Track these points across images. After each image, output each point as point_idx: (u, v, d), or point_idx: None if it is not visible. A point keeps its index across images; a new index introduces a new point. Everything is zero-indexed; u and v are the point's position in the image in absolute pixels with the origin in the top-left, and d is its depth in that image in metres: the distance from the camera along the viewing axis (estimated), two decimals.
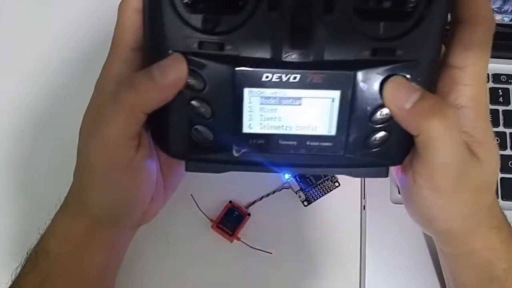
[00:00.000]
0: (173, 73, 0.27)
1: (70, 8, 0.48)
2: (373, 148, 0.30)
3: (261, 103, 0.29)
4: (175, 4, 0.27)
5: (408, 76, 0.28)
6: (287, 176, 0.44)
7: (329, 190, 0.43)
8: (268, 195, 0.43)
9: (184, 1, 0.27)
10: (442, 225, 0.32)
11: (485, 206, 0.31)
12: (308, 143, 0.30)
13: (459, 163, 0.28)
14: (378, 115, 0.29)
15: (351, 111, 0.29)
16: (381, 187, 0.43)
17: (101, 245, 0.33)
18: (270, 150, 0.30)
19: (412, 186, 0.30)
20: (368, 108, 0.29)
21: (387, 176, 0.32)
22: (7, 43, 0.49)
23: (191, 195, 0.43)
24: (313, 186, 0.43)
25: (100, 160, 0.29)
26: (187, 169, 0.31)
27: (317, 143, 0.30)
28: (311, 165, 0.32)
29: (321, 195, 0.43)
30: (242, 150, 0.30)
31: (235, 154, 0.30)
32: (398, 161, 0.31)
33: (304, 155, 0.31)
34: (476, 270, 0.33)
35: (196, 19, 0.27)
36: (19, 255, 0.34)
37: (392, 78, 0.28)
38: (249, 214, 0.43)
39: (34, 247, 0.33)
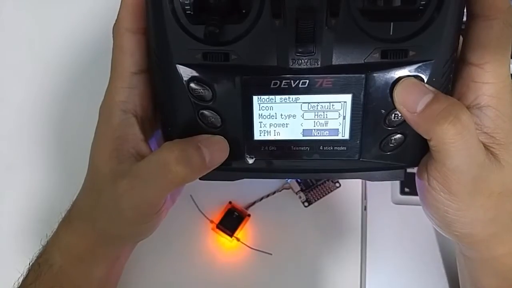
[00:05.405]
0: (219, 159, 0.29)
1: (72, 9, 0.48)
2: (388, 150, 0.30)
3: (271, 110, 0.29)
4: (178, 16, 0.27)
5: (422, 77, 0.27)
6: None
7: (329, 191, 0.43)
8: (268, 195, 0.43)
9: (187, 12, 0.27)
10: (461, 229, 0.30)
11: (509, 211, 0.29)
12: (321, 148, 0.30)
13: (475, 167, 0.27)
14: (392, 117, 0.28)
15: (364, 114, 0.28)
16: (381, 188, 0.43)
17: (105, 258, 0.33)
18: (283, 156, 0.30)
19: (427, 189, 0.29)
20: (382, 110, 0.28)
21: (404, 179, 0.32)
22: (9, 44, 0.48)
23: (191, 195, 0.43)
24: (313, 187, 0.43)
25: (131, 212, 0.30)
26: (201, 178, 0.31)
27: (330, 148, 0.30)
28: (326, 170, 0.31)
29: (321, 196, 0.43)
30: (255, 158, 0.30)
31: (248, 161, 0.30)
32: (415, 163, 0.31)
33: (318, 160, 0.30)
34: (498, 277, 0.31)
35: (200, 30, 0.27)
36: (21, 265, 0.34)
37: (403, 79, 0.27)
38: (249, 215, 0.42)
39: (37, 259, 0.33)
